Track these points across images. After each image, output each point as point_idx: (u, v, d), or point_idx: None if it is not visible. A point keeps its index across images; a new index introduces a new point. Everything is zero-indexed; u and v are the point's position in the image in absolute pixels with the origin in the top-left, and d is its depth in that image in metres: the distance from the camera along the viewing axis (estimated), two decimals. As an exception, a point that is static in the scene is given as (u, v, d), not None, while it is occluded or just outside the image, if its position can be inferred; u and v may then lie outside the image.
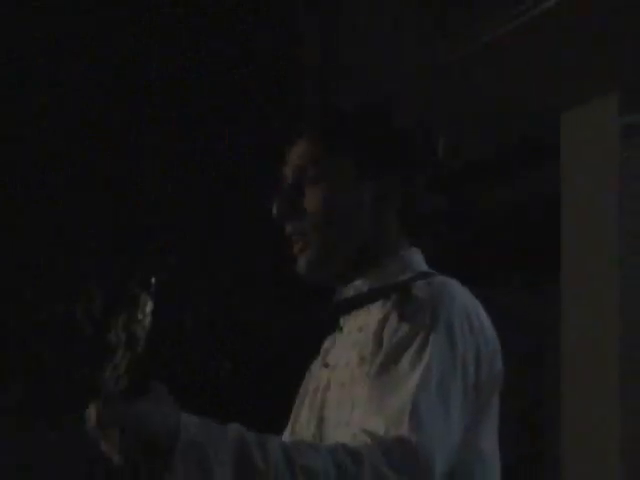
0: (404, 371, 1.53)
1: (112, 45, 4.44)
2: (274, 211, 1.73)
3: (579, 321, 3.76)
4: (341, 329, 1.75)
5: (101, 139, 4.36)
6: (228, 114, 4.44)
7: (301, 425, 1.78)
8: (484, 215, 4.39)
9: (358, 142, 1.72)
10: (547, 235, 3.93)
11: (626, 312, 3.55)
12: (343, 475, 1.41)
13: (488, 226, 4.43)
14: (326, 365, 1.76)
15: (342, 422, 1.63)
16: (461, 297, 1.62)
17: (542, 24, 3.44)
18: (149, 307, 1.38)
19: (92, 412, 1.37)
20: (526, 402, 4.41)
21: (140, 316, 1.37)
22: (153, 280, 1.38)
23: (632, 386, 3.51)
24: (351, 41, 4.26)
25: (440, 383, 1.52)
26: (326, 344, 1.83)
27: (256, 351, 4.03)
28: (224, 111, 4.42)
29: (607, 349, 3.57)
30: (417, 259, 1.75)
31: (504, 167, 4.29)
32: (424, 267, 1.74)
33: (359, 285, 1.73)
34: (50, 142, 4.31)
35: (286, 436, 1.84)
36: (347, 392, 1.65)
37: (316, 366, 1.84)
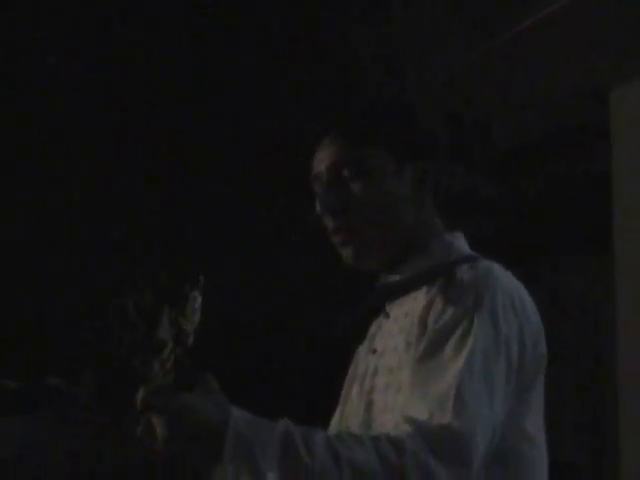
0: (448, 356, 1.54)
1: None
2: (318, 208, 1.75)
3: (632, 295, 3.78)
4: (387, 315, 1.76)
5: (153, 140, 4.39)
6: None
7: (351, 409, 1.79)
8: (535, 196, 4.37)
9: (389, 132, 1.74)
10: (597, 214, 3.96)
11: None
12: (387, 466, 1.43)
13: (538, 207, 4.42)
14: (374, 351, 1.77)
15: (389, 407, 1.65)
16: (504, 281, 1.62)
17: (589, 2, 3.40)
18: (198, 303, 1.41)
19: (139, 401, 1.40)
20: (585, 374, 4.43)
21: (189, 312, 1.40)
22: (201, 278, 1.41)
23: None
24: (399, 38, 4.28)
25: (484, 367, 1.53)
26: (372, 329, 1.83)
27: (308, 343, 4.09)
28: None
29: None
30: (460, 243, 1.76)
31: (553, 148, 4.30)
32: (467, 250, 1.75)
33: (403, 268, 1.74)
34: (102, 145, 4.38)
35: (336, 419, 1.87)
36: (395, 377, 1.66)
37: (363, 350, 1.84)
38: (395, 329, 1.71)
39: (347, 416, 1.80)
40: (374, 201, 1.71)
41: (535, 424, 1.64)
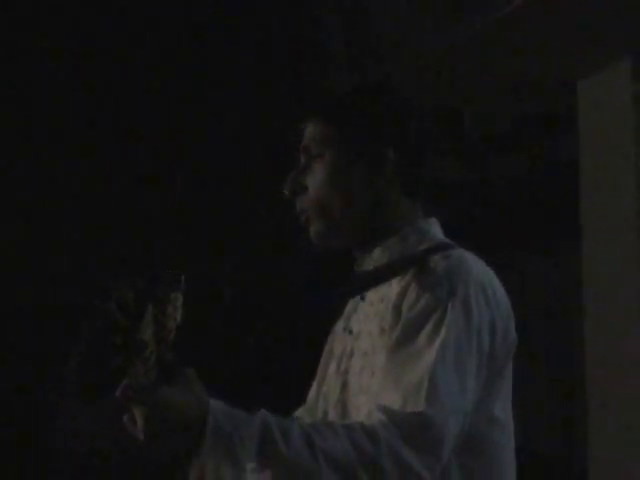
0: (421, 346, 1.58)
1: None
2: (285, 189, 1.79)
3: (599, 280, 3.86)
4: (363, 298, 1.77)
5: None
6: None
7: (328, 388, 1.82)
8: (503, 183, 4.44)
9: (348, 115, 1.77)
10: (564, 201, 4.03)
11: None
12: (362, 455, 1.48)
13: (507, 194, 4.48)
14: (350, 331, 1.79)
15: (363, 389, 1.69)
16: (477, 270, 1.65)
17: None
18: (179, 302, 1.43)
19: (119, 394, 1.43)
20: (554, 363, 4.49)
21: (171, 312, 1.43)
22: (182, 278, 1.44)
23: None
24: (372, 25, 4.31)
25: (456, 356, 1.56)
26: (348, 308, 1.85)
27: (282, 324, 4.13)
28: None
29: (628, 307, 3.68)
30: (434, 229, 1.78)
31: (521, 137, 4.35)
32: (441, 237, 1.77)
33: (378, 254, 1.76)
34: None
35: (313, 394, 1.90)
36: (369, 361, 1.69)
37: (339, 328, 1.87)
38: (370, 312, 1.73)
39: (325, 394, 1.83)
40: (325, 183, 1.75)
41: (504, 409, 1.67)
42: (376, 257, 1.76)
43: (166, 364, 1.43)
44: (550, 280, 4.59)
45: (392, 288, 1.69)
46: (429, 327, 1.58)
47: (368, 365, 1.68)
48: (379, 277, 1.73)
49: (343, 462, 1.47)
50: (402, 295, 1.64)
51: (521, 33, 3.69)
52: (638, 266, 3.68)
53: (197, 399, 1.46)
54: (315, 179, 1.75)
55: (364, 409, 1.62)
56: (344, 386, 1.74)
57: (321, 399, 1.83)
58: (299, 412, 1.93)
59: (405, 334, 1.60)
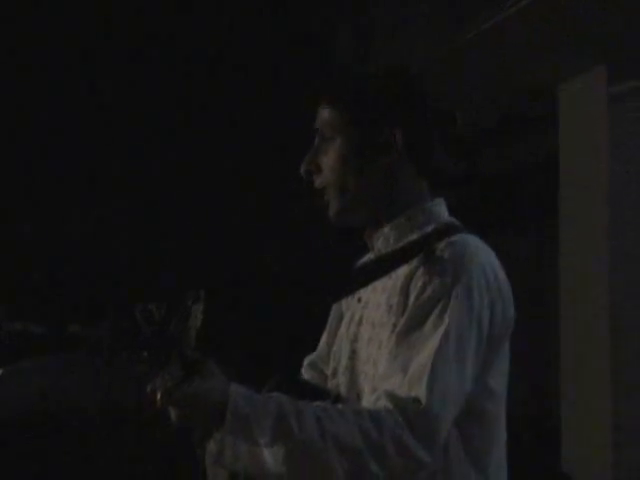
0: (427, 333, 1.63)
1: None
2: (301, 170, 1.82)
3: (575, 265, 4.11)
4: None
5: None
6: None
7: (338, 349, 1.88)
8: (490, 176, 4.65)
9: (362, 99, 1.79)
10: (544, 191, 4.25)
11: (613, 251, 3.92)
12: (367, 440, 1.55)
13: (493, 186, 4.71)
14: (359, 299, 1.84)
15: (371, 359, 1.75)
16: (479, 256, 1.69)
17: (535, 10, 3.68)
18: (200, 312, 1.57)
19: (153, 399, 1.55)
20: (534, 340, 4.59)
21: (193, 320, 1.57)
22: (202, 293, 1.59)
23: (621, 320, 3.88)
24: (377, 30, 4.55)
25: (457, 343, 1.62)
26: None
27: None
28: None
29: (598, 288, 3.92)
30: (440, 210, 1.81)
31: (507, 135, 4.59)
32: (446, 217, 1.80)
33: (387, 232, 1.79)
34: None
35: (322, 348, 1.96)
36: (377, 333, 1.75)
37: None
38: (379, 285, 1.78)
39: (334, 353, 1.89)
40: (339, 165, 1.78)
41: (500, 383, 1.73)
42: (386, 234, 1.80)
43: (189, 362, 1.56)
44: (531, 260, 4.77)
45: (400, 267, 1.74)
46: (434, 315, 1.64)
47: (376, 337, 1.75)
48: (390, 263, 1.76)
49: (350, 445, 1.55)
50: (409, 278, 1.69)
51: (508, 41, 3.92)
52: (608, 247, 3.93)
53: (219, 386, 1.56)
54: (329, 160, 1.79)
55: (370, 380, 1.71)
56: (353, 353, 1.80)
57: (332, 357, 1.90)
58: (310, 358, 2.00)
59: (413, 321, 1.66)
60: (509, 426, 1.78)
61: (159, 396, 1.54)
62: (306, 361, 2.00)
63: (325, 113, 1.81)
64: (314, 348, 2.01)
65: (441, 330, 1.62)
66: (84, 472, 3.43)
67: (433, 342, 1.62)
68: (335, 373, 1.86)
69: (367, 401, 1.69)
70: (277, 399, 1.58)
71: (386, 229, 1.80)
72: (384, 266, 1.77)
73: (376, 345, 1.74)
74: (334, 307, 1.95)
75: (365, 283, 1.80)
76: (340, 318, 1.92)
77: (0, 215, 4.28)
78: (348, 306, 1.89)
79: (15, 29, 4.35)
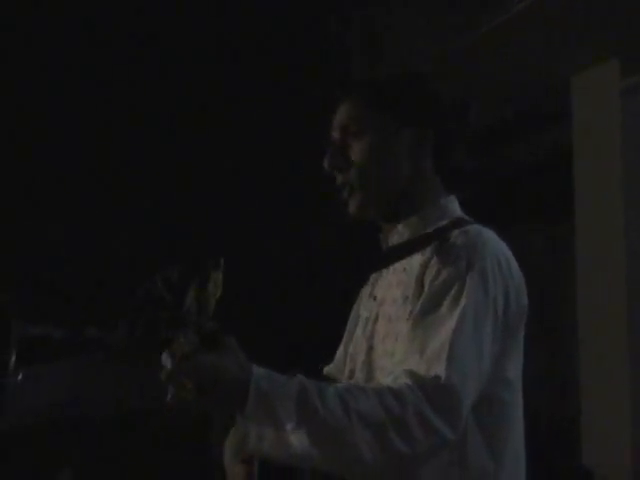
0: (443, 315, 1.63)
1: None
2: (325, 164, 1.83)
3: (591, 256, 4.11)
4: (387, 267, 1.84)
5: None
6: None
7: (355, 349, 1.89)
8: (506, 168, 4.68)
9: (394, 97, 1.80)
10: (560, 186, 4.25)
11: (629, 243, 3.93)
12: (390, 415, 1.53)
13: (509, 179, 4.71)
14: (374, 298, 1.85)
15: (388, 353, 1.75)
16: (492, 244, 1.70)
17: (548, 3, 3.70)
18: (219, 281, 1.52)
19: (167, 369, 1.50)
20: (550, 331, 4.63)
21: (212, 289, 1.52)
22: (222, 260, 1.53)
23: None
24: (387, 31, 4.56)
25: (474, 324, 1.62)
26: (373, 274, 1.92)
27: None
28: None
29: (615, 280, 3.93)
30: (453, 206, 1.83)
31: (523, 127, 4.59)
32: (459, 213, 1.82)
33: (401, 229, 1.82)
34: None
35: (341, 353, 1.97)
36: (393, 327, 1.75)
37: (365, 293, 1.93)
38: (394, 281, 1.80)
39: (352, 355, 1.90)
40: (369, 160, 1.79)
41: (515, 371, 1.73)
42: (400, 232, 1.82)
43: (207, 333, 1.50)
44: (546, 254, 4.78)
45: (414, 259, 1.76)
46: (450, 298, 1.64)
47: (392, 331, 1.75)
48: (405, 251, 1.79)
49: (373, 420, 1.52)
50: (424, 267, 1.71)
51: (523, 35, 3.94)
52: (623, 238, 3.94)
53: (239, 363, 1.52)
54: (361, 154, 1.80)
55: (388, 371, 1.69)
56: (370, 349, 1.81)
57: (348, 359, 1.91)
58: (328, 369, 2.02)
59: (429, 304, 1.66)
60: (530, 421, 1.78)
61: (176, 361, 1.48)
62: (324, 371, 2.01)
63: (353, 108, 1.82)
64: (330, 346, 2.01)
65: (457, 311, 1.62)
66: (100, 476, 3.44)
67: (450, 323, 1.62)
68: (352, 373, 1.87)
69: (385, 382, 1.66)
70: (298, 378, 1.56)
71: (400, 226, 1.82)
72: (398, 253, 1.80)
73: (392, 339, 1.75)
74: (352, 313, 1.97)
75: (380, 266, 1.83)
76: (357, 321, 1.93)
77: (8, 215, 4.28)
78: (365, 307, 1.90)
79: (15, 29, 4.35)
